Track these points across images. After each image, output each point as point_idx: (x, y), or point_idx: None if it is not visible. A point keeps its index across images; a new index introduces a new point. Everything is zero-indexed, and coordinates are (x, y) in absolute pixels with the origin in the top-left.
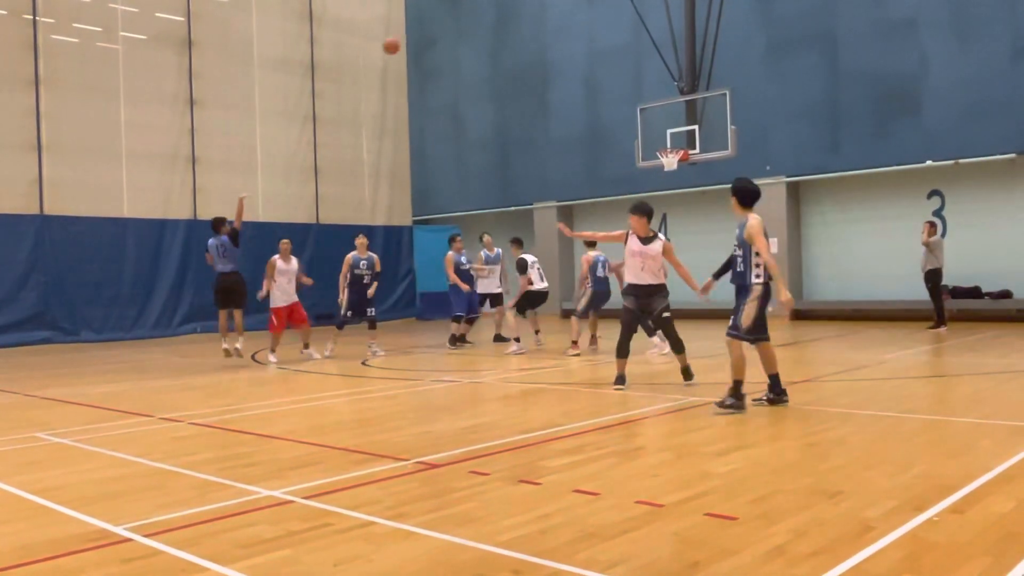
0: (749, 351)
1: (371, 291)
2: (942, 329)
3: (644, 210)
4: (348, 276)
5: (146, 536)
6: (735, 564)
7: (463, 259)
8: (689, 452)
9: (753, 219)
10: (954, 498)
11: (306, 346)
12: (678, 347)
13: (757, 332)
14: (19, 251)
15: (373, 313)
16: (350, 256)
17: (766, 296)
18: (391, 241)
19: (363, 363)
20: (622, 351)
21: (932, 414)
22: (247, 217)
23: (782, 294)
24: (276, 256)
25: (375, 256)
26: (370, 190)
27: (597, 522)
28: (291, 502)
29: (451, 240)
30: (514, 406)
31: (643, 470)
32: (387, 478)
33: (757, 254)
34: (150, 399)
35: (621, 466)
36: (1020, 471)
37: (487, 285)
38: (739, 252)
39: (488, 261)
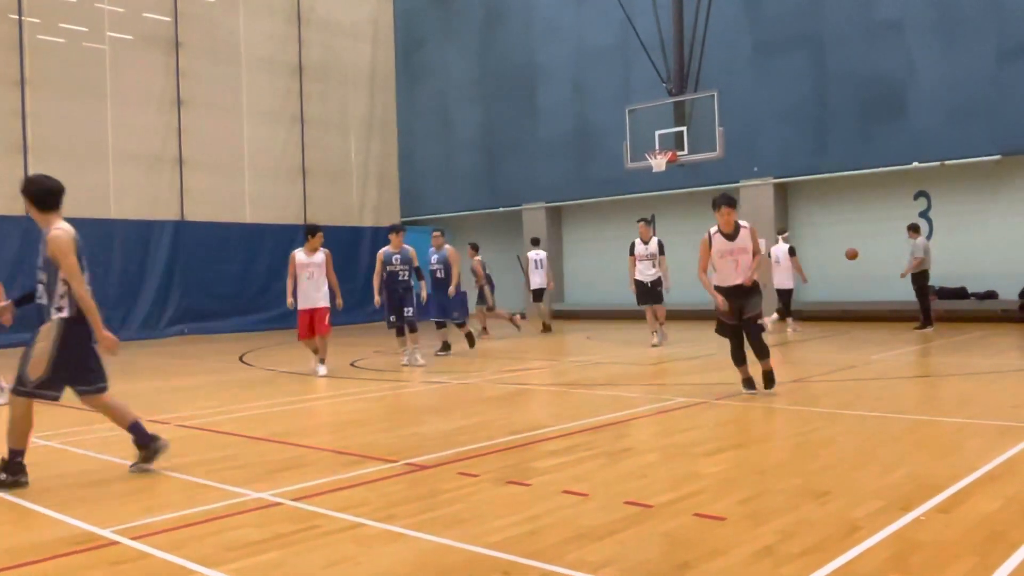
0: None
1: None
2: (929, 330)
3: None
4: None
5: (133, 539)
6: (724, 564)
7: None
8: (678, 453)
9: (60, 231)
10: (941, 498)
11: (320, 361)
12: (763, 353)
13: (70, 383)
14: (5, 253)
15: None
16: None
17: (73, 335)
18: (379, 242)
19: (352, 364)
20: (737, 359)
21: (919, 414)
22: None
23: (100, 335)
24: (298, 249)
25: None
26: (358, 191)
27: (586, 523)
28: (279, 504)
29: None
30: (503, 407)
31: (632, 471)
32: (376, 480)
33: (64, 280)
34: (137, 401)
35: (610, 467)
36: (1006, 471)
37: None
38: (42, 276)
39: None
